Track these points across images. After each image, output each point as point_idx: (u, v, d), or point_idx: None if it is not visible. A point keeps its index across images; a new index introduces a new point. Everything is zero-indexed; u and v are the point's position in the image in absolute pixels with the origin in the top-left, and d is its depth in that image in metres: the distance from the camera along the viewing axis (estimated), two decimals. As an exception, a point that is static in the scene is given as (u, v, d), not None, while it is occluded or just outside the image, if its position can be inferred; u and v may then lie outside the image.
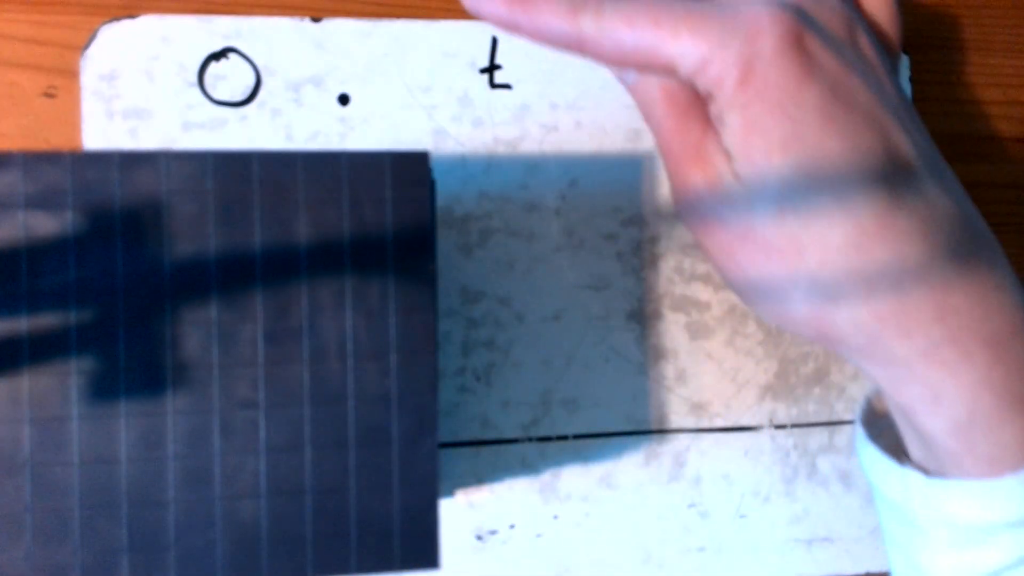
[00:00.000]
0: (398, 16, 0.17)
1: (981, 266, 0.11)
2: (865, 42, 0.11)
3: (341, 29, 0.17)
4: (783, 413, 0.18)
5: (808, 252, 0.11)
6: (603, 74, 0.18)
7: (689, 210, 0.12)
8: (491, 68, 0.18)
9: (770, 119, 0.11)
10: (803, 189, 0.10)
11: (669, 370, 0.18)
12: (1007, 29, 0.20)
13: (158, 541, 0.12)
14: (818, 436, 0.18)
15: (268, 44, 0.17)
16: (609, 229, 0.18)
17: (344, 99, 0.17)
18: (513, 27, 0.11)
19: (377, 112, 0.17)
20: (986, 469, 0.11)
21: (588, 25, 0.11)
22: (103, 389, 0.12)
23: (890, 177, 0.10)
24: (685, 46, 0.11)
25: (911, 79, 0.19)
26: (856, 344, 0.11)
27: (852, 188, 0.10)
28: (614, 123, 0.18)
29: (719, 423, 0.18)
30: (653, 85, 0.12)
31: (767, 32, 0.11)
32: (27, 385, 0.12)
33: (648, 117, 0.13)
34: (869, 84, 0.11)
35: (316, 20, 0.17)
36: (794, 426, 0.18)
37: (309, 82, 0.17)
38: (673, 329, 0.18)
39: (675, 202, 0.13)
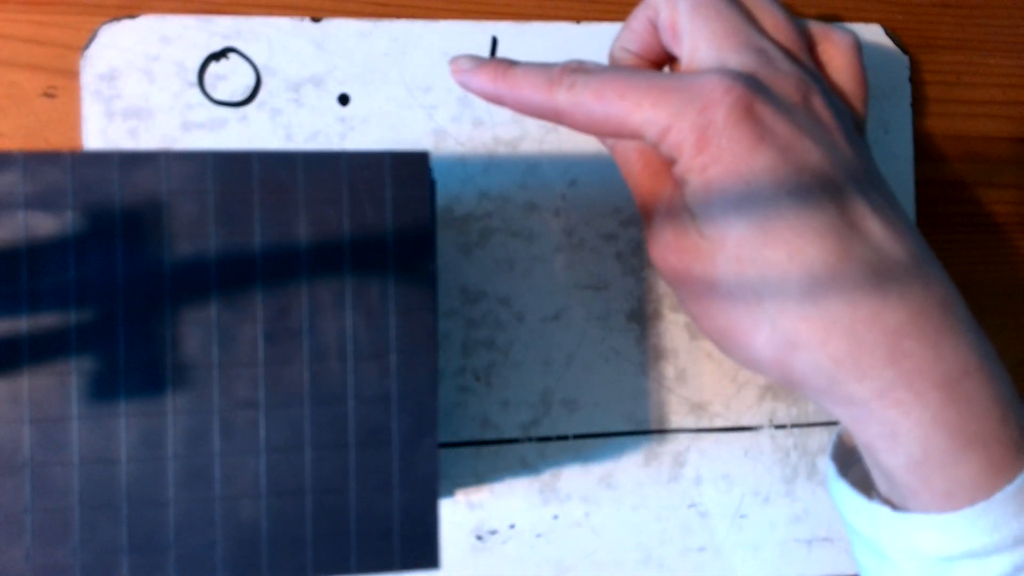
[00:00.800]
0: (398, 16, 0.17)
1: (933, 310, 0.11)
2: (820, 104, 0.12)
3: (341, 29, 0.17)
4: (783, 413, 0.18)
5: (767, 302, 0.12)
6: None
7: (661, 260, 0.13)
8: (491, 68, 0.18)
9: (725, 182, 0.12)
10: (759, 244, 0.11)
11: (669, 370, 0.18)
12: (1008, 29, 0.20)
13: (158, 541, 0.12)
14: (818, 436, 0.18)
15: (268, 44, 0.17)
16: (609, 229, 0.18)
17: (344, 99, 0.17)
18: (496, 99, 0.13)
19: (377, 112, 0.17)
20: (943, 503, 0.11)
21: (562, 98, 0.12)
22: (103, 389, 0.12)
23: (840, 231, 0.11)
24: (647, 116, 0.12)
25: (910, 79, 0.19)
26: (817, 385, 0.12)
27: (804, 243, 0.11)
28: (614, 123, 0.18)
29: (719, 423, 0.18)
30: (629, 147, 0.14)
31: (719, 102, 0.11)
32: (27, 385, 0.12)
33: (626, 175, 0.14)
34: (821, 144, 0.12)
35: (316, 20, 0.17)
36: (794, 426, 0.18)
37: (309, 82, 0.17)
38: (673, 329, 0.18)
39: (649, 252, 0.14)
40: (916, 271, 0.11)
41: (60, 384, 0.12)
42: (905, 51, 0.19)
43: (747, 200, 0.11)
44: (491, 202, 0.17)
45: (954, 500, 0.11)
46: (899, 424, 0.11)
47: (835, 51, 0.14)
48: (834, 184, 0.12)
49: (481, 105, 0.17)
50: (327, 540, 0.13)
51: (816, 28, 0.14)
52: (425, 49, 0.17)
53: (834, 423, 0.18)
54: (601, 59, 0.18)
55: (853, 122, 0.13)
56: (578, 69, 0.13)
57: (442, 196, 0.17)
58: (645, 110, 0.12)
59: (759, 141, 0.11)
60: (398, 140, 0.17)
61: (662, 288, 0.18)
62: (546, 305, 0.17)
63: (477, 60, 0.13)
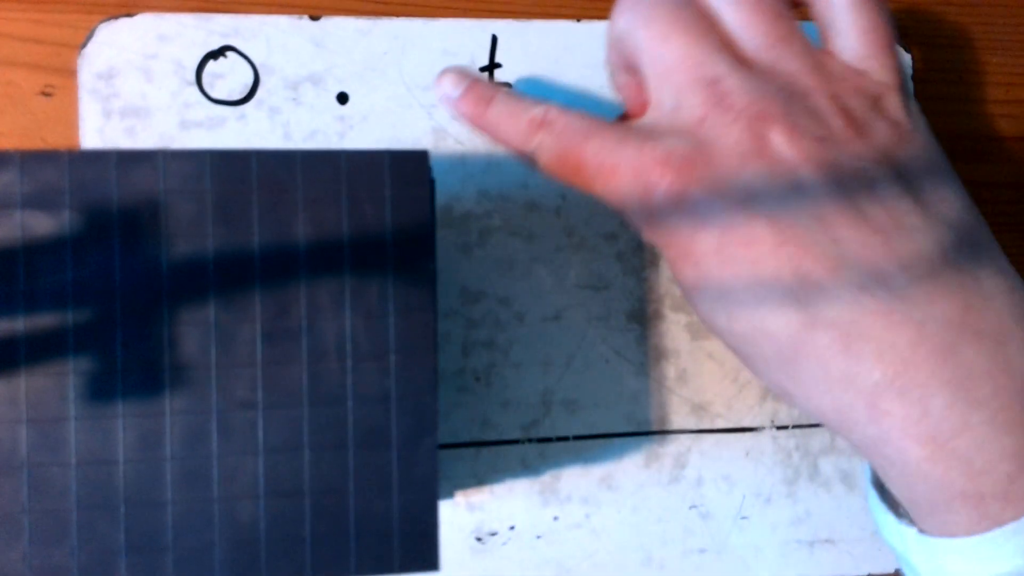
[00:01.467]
0: (397, 14, 0.17)
1: (923, 362, 0.10)
2: (782, 134, 0.11)
3: (340, 27, 0.17)
4: (785, 414, 0.18)
5: (750, 361, 0.12)
6: (604, 73, 0.18)
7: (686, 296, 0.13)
8: (491, 66, 0.17)
9: (680, 264, 0.12)
10: (724, 318, 0.11)
11: (670, 370, 0.18)
12: (1012, 27, 0.20)
13: (156, 542, 0.12)
14: (820, 437, 0.18)
15: (266, 42, 0.17)
16: (610, 229, 0.18)
17: (343, 98, 0.17)
18: (477, 131, 0.13)
19: (376, 111, 0.17)
20: (953, 532, 0.11)
21: (533, 153, 0.13)
22: (100, 390, 0.12)
23: (800, 298, 0.10)
24: (602, 193, 0.12)
25: (912, 77, 0.19)
26: (825, 423, 0.11)
27: (763, 317, 0.11)
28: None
29: (720, 424, 0.18)
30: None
31: (655, 186, 0.11)
32: (24, 386, 0.12)
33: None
34: (768, 203, 0.11)
35: (315, 18, 0.17)
36: (796, 427, 0.18)
37: (307, 80, 0.17)
38: (674, 329, 0.18)
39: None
40: (906, 314, 0.10)
41: (57, 385, 0.12)
42: (907, 49, 0.19)
43: (701, 281, 0.11)
44: (491, 201, 0.17)
45: (961, 530, 0.10)
46: (886, 471, 0.11)
47: (832, 10, 0.12)
48: (787, 247, 0.10)
49: (481, 104, 0.17)
50: (326, 541, 0.13)
51: None
52: (424, 48, 0.17)
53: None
54: (602, 58, 0.18)
55: (865, 97, 0.11)
56: (543, 125, 0.12)
57: (441, 195, 0.17)
58: (599, 187, 0.12)
59: (698, 227, 0.11)
60: (397, 139, 0.17)
61: (663, 288, 0.18)
62: (546, 305, 0.17)
63: (461, 80, 0.13)
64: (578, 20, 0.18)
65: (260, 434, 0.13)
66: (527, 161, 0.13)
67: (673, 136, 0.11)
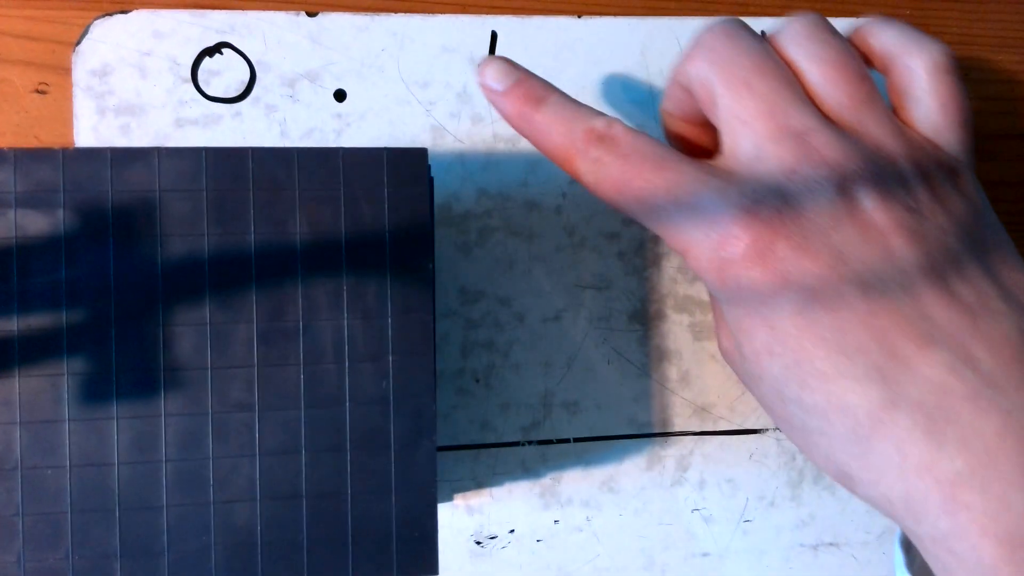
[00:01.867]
0: (395, 10, 0.17)
1: (1007, 452, 0.09)
2: (873, 198, 0.10)
3: (337, 23, 0.17)
4: (789, 415, 0.18)
5: (815, 436, 0.11)
6: (605, 70, 0.18)
7: (721, 348, 0.13)
8: (491, 63, 0.17)
9: (749, 322, 0.11)
10: (795, 387, 0.10)
11: (672, 372, 0.17)
12: (1016, 25, 0.20)
13: (151, 546, 0.12)
14: (824, 439, 0.18)
15: (262, 39, 0.16)
16: (611, 228, 0.17)
17: (340, 95, 0.17)
18: (517, 131, 0.12)
19: (374, 108, 0.17)
20: None
21: (584, 169, 0.11)
22: (95, 391, 0.12)
23: (885, 374, 0.10)
24: (665, 231, 0.11)
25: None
26: (879, 510, 0.11)
27: (842, 390, 0.10)
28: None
29: (723, 426, 0.18)
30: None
31: (737, 239, 0.10)
32: (18, 387, 0.12)
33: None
34: (862, 269, 0.10)
35: (311, 14, 0.17)
36: (800, 429, 0.18)
37: (304, 77, 0.17)
38: (676, 330, 0.18)
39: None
40: (993, 400, 0.10)
41: (52, 386, 0.12)
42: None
43: (776, 344, 0.10)
44: (490, 200, 0.17)
45: None
46: (949, 567, 0.10)
47: (911, 78, 0.11)
48: (876, 319, 0.10)
49: (480, 101, 0.17)
50: (323, 545, 0.13)
51: (892, 46, 0.12)
52: (423, 44, 0.17)
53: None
54: (604, 55, 0.18)
55: (944, 170, 0.11)
56: (604, 140, 0.11)
57: (440, 194, 0.17)
58: (663, 225, 0.11)
59: (781, 286, 0.10)
60: (395, 137, 0.17)
61: (665, 288, 0.18)
62: (547, 305, 0.17)
63: (509, 73, 0.12)
64: (579, 16, 0.18)
65: (256, 436, 0.13)
66: (573, 175, 0.12)
67: (757, 186, 0.11)
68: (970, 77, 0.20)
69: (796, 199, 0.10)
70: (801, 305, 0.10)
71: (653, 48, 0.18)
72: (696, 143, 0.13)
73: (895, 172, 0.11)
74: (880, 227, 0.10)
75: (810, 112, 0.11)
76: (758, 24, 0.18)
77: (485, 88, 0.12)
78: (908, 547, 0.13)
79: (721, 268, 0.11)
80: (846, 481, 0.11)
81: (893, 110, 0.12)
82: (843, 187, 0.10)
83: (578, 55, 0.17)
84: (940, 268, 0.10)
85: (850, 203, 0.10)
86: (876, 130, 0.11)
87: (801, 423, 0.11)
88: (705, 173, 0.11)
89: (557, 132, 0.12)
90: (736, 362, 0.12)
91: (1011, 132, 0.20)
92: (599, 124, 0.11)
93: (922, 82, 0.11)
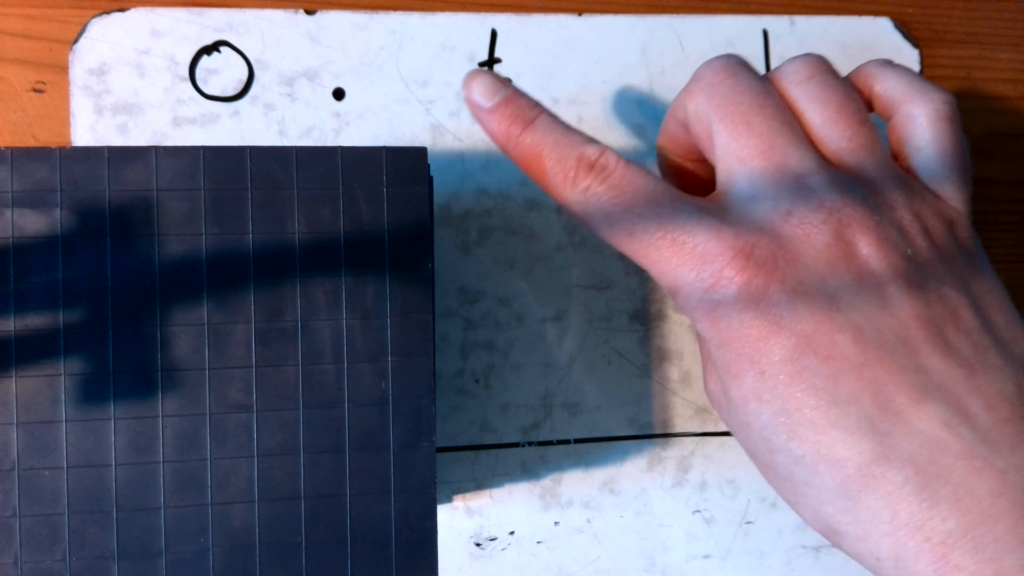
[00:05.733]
0: (394, 8, 0.17)
1: (1001, 514, 0.09)
2: (869, 245, 0.10)
3: (336, 21, 0.17)
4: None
5: (803, 487, 0.10)
6: (606, 68, 0.18)
7: (708, 393, 0.12)
8: (490, 62, 0.17)
9: (738, 367, 0.10)
10: (784, 437, 0.10)
11: (673, 372, 0.17)
12: (1019, 24, 0.20)
13: (149, 547, 0.12)
14: (826, 440, 0.18)
15: (261, 37, 0.16)
16: (612, 227, 0.17)
17: (339, 93, 0.17)
18: (503, 151, 0.11)
19: (373, 107, 0.17)
20: None
21: (573, 199, 0.11)
22: (92, 392, 0.12)
23: (877, 427, 0.09)
24: (655, 269, 0.11)
25: (920, 74, 0.19)
26: (866, 567, 0.10)
27: (832, 441, 0.10)
28: (617, 118, 0.18)
29: (724, 427, 0.18)
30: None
31: (730, 282, 0.10)
32: (15, 388, 0.12)
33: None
34: (857, 315, 0.10)
35: (310, 12, 0.17)
36: (802, 429, 0.18)
37: (303, 76, 0.16)
38: (677, 330, 0.17)
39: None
40: (988, 459, 0.09)
41: (49, 386, 0.12)
42: (915, 45, 0.19)
43: (766, 391, 0.10)
44: (490, 199, 0.17)
45: None
46: None
47: (913, 126, 0.11)
48: (870, 369, 0.09)
49: (480, 100, 0.17)
50: (322, 547, 0.12)
51: (895, 91, 0.11)
52: (422, 42, 0.17)
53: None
54: (604, 53, 0.18)
55: (942, 219, 0.11)
56: (597, 169, 0.11)
57: (440, 193, 0.17)
58: (652, 262, 0.10)
59: (773, 331, 0.10)
60: (395, 136, 0.17)
61: (666, 288, 0.18)
62: (547, 306, 0.17)
63: (496, 90, 0.11)
64: (579, 14, 0.18)
65: (254, 437, 0.12)
66: (560, 203, 0.11)
67: (752, 226, 0.10)
68: (970, 77, 0.20)
69: (791, 242, 0.10)
70: (793, 351, 0.10)
71: (654, 46, 0.18)
72: (692, 179, 0.13)
73: (893, 219, 0.10)
74: (877, 274, 0.10)
75: (809, 153, 0.11)
76: (759, 23, 0.18)
77: (471, 103, 0.12)
78: None
79: (711, 310, 0.10)
80: (833, 536, 0.10)
81: (893, 156, 0.12)
82: (840, 231, 0.10)
83: (578, 53, 0.17)
84: (937, 318, 0.10)
85: (847, 248, 0.10)
86: (875, 175, 0.11)
87: (789, 473, 0.10)
88: (699, 210, 0.11)
89: (546, 156, 0.11)
90: (722, 407, 0.11)
91: (1011, 132, 0.20)
92: (591, 151, 0.11)
93: (923, 131, 0.11)
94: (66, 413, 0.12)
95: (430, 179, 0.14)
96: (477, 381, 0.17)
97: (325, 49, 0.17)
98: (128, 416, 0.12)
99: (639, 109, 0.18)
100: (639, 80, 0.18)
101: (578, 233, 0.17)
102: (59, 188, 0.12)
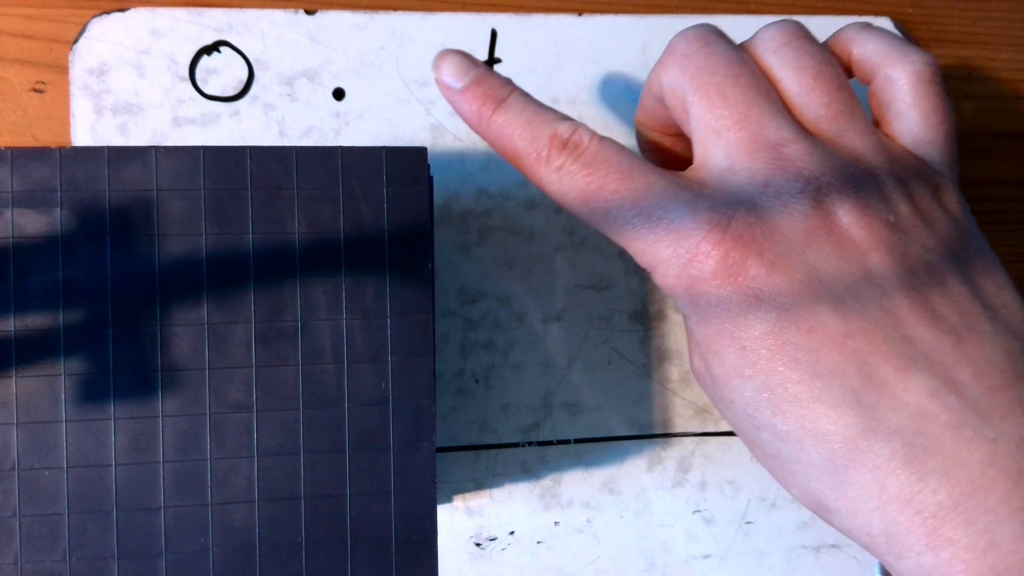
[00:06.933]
0: (395, 8, 0.17)
1: (994, 484, 0.09)
2: (847, 213, 0.10)
3: (336, 21, 0.17)
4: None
5: (790, 464, 0.10)
6: (606, 68, 0.18)
7: (692, 364, 0.12)
8: (490, 62, 0.17)
9: (719, 342, 0.10)
10: (767, 413, 0.10)
11: (674, 372, 0.17)
12: (1019, 23, 0.20)
13: (149, 548, 0.12)
14: (826, 440, 0.18)
15: (261, 37, 0.16)
16: (612, 227, 0.17)
17: (339, 93, 0.17)
18: (477, 133, 0.11)
19: (373, 107, 0.17)
20: None
21: (548, 179, 0.11)
22: (92, 392, 0.12)
23: (863, 399, 0.09)
24: (632, 247, 0.10)
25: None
26: (858, 542, 0.10)
27: (817, 416, 0.09)
28: (617, 118, 0.18)
29: (725, 427, 0.18)
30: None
31: (706, 256, 0.10)
32: (15, 388, 0.12)
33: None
34: (839, 287, 0.09)
35: (310, 12, 0.17)
36: (802, 429, 0.18)
37: (303, 76, 0.16)
38: (678, 330, 0.17)
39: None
40: (977, 428, 0.09)
41: (49, 387, 0.12)
42: (915, 45, 0.19)
43: (747, 366, 0.10)
44: (490, 199, 0.17)
45: None
46: None
47: (893, 89, 0.11)
48: (853, 340, 0.09)
49: (480, 100, 0.17)
50: (322, 547, 0.12)
51: (874, 55, 0.11)
52: (422, 42, 0.17)
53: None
54: (604, 53, 0.18)
55: (926, 184, 0.10)
56: (570, 147, 0.10)
57: (440, 193, 0.17)
58: (629, 239, 0.10)
59: (752, 305, 0.10)
60: (394, 136, 0.17)
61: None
62: (547, 305, 0.17)
63: (466, 70, 0.11)
64: (579, 14, 0.18)
65: (254, 437, 0.12)
66: (535, 183, 0.11)
67: (728, 199, 0.10)
68: (971, 77, 0.20)
69: (769, 213, 0.10)
70: (773, 325, 0.09)
71: (654, 46, 0.18)
72: (670, 155, 0.13)
73: (875, 186, 0.10)
74: (858, 243, 0.10)
75: (786, 123, 0.10)
76: (759, 23, 0.18)
77: (441, 85, 0.11)
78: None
79: (690, 285, 0.10)
80: (822, 512, 0.10)
81: (874, 122, 0.12)
82: (819, 201, 0.10)
83: (578, 53, 0.17)
84: (922, 286, 0.10)
85: (826, 218, 0.10)
86: (856, 142, 0.11)
87: (775, 450, 0.10)
88: (675, 185, 0.10)
89: (519, 136, 0.11)
90: (707, 384, 0.11)
91: (1011, 132, 0.20)
92: (563, 129, 0.11)
93: (904, 94, 0.11)
94: (66, 413, 0.12)
95: (430, 179, 0.14)
96: (477, 381, 0.17)
97: (325, 49, 0.17)
98: (128, 416, 0.12)
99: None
100: (639, 80, 0.18)
101: (578, 233, 0.17)
102: (59, 188, 0.12)
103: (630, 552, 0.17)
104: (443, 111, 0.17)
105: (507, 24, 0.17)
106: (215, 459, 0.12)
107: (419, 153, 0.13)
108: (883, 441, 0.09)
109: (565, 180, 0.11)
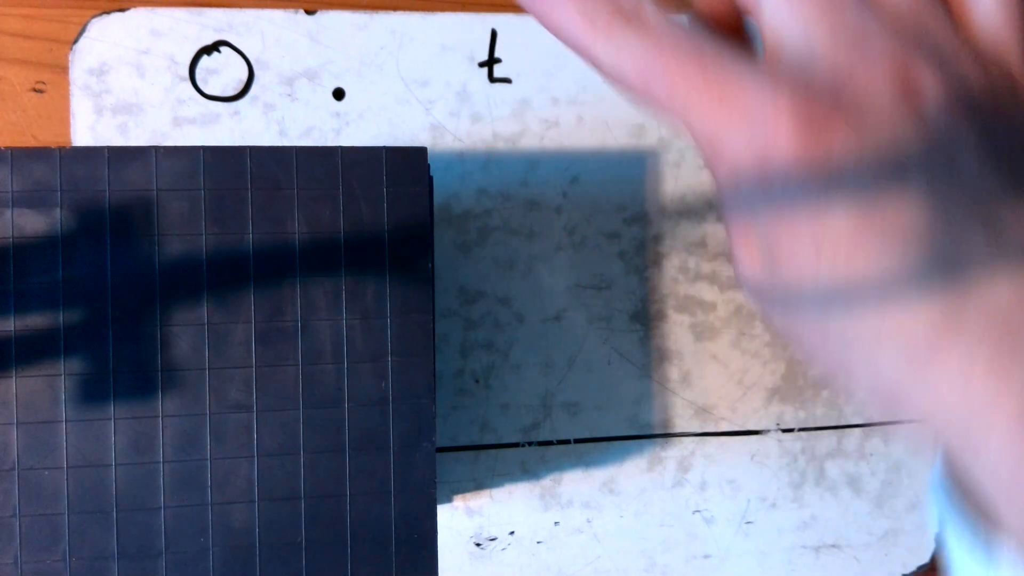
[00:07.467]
0: (395, 8, 0.17)
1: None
2: (926, 89, 0.09)
3: (336, 21, 0.17)
4: (791, 416, 0.18)
5: (859, 368, 0.09)
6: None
7: (753, 293, 0.11)
8: (490, 62, 0.17)
9: (791, 232, 0.09)
10: (842, 308, 0.09)
11: (673, 372, 0.17)
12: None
13: (149, 547, 0.12)
14: (827, 440, 0.18)
15: (261, 37, 0.16)
16: (612, 227, 0.17)
17: (339, 93, 0.17)
18: (528, 10, 0.10)
19: (373, 107, 0.17)
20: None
21: (600, 50, 0.10)
22: (93, 392, 0.12)
23: (948, 289, 0.09)
24: (692, 121, 0.10)
25: None
26: (941, 435, 0.09)
27: (898, 309, 0.09)
28: (617, 118, 0.18)
29: (725, 427, 0.17)
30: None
31: (787, 129, 0.09)
32: (15, 387, 0.12)
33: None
34: (929, 185, 0.09)
35: (310, 12, 0.17)
36: (802, 430, 0.18)
37: (303, 76, 0.16)
38: (677, 330, 0.17)
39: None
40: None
41: (49, 386, 0.12)
42: None
43: (822, 267, 0.09)
44: (490, 199, 0.17)
45: None
46: (1018, 504, 0.09)
47: None
48: (940, 225, 0.09)
49: (480, 100, 0.17)
50: (322, 547, 0.12)
51: None
52: (422, 42, 0.17)
53: (843, 427, 0.18)
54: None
55: (1007, 79, 0.10)
56: (632, 21, 0.10)
57: (440, 193, 0.17)
58: (695, 119, 0.10)
59: (836, 197, 0.09)
60: (394, 136, 0.17)
61: (666, 288, 0.17)
62: (547, 305, 0.17)
63: None
64: (580, 14, 0.18)
65: (254, 437, 0.12)
66: (590, 61, 0.10)
67: (809, 83, 0.09)
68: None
69: (853, 101, 0.09)
70: (857, 220, 0.09)
71: (654, 46, 0.18)
72: (730, 30, 0.12)
73: (960, 77, 0.10)
74: (948, 126, 0.09)
75: (868, 11, 0.10)
76: (760, 22, 0.18)
77: None
78: (952, 484, 0.11)
79: (763, 163, 0.09)
80: (892, 405, 0.09)
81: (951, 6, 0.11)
82: (904, 82, 0.09)
83: (578, 53, 0.17)
84: (1012, 172, 0.09)
85: (914, 100, 0.09)
86: (933, 23, 0.10)
87: (842, 350, 0.09)
88: (751, 67, 0.10)
89: (573, 8, 0.10)
90: (763, 287, 0.10)
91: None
92: (626, 1, 0.10)
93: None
94: (66, 413, 0.12)
95: (430, 179, 0.13)
96: (477, 381, 0.17)
97: (325, 49, 0.17)
98: (128, 416, 0.12)
99: (639, 109, 0.18)
100: (639, 80, 0.17)
101: (578, 233, 0.17)
102: (59, 188, 0.12)
103: (630, 552, 0.17)
104: (443, 111, 0.17)
105: (507, 24, 0.17)
106: (215, 459, 0.12)
107: (419, 153, 0.13)
108: (968, 337, 0.09)
109: (624, 58, 0.10)
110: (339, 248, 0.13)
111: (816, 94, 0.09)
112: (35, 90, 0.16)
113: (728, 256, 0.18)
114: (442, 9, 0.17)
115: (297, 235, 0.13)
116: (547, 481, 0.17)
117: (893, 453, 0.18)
